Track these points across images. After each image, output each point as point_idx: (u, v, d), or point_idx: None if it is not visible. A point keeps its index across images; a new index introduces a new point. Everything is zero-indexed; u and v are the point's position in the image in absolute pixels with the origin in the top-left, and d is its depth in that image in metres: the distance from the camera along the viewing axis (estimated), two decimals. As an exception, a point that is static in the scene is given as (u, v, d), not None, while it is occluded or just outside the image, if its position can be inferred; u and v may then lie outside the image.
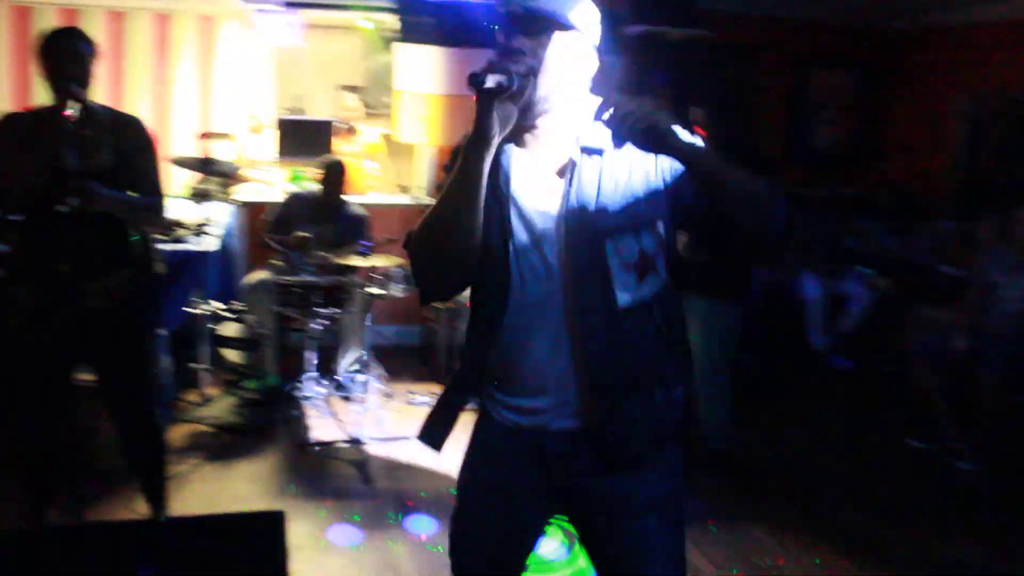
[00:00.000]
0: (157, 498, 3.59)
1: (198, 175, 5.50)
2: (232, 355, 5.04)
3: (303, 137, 6.51)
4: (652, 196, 1.85)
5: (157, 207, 3.33)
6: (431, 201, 6.35)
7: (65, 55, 3.05)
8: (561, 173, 1.87)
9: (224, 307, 5.15)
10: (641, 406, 1.90)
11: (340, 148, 6.52)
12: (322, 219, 5.43)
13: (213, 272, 5.24)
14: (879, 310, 6.22)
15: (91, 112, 3.16)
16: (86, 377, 3.39)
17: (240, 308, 5.09)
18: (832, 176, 7.22)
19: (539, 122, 1.86)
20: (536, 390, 1.91)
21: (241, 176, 5.99)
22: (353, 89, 7.51)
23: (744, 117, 6.66)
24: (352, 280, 5.17)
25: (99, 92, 6.50)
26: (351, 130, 6.76)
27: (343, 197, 5.58)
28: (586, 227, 1.83)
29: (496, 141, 1.74)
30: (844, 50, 7.25)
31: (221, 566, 2.12)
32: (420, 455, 4.67)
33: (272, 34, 6.39)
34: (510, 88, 1.69)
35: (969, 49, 6.66)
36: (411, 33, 6.18)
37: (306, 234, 5.21)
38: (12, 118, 3.25)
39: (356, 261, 4.95)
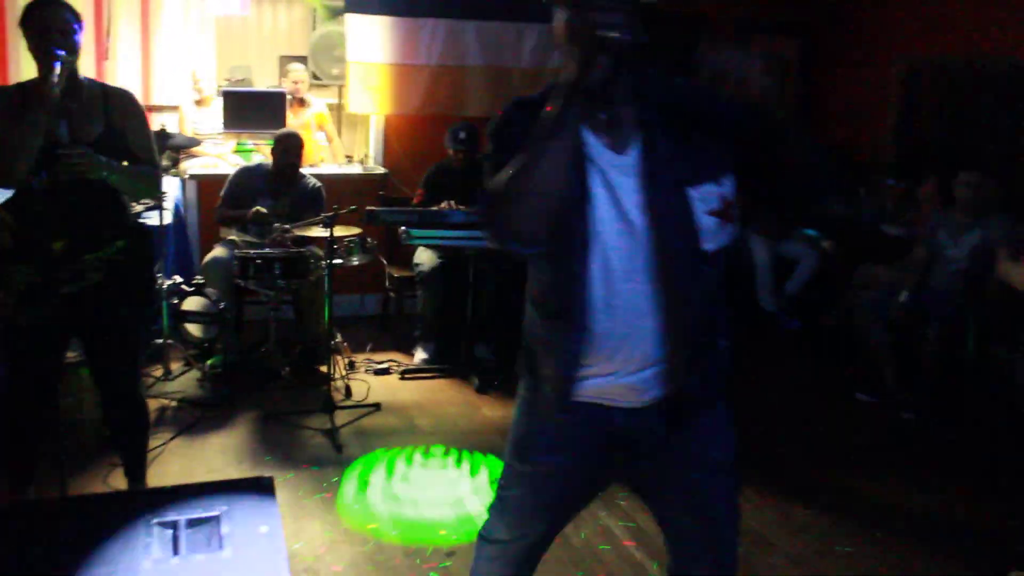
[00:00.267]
0: (137, 470, 3.60)
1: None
2: (194, 329, 5.02)
3: (252, 109, 6.44)
4: (723, 144, 1.90)
5: (154, 177, 3.33)
6: (382, 171, 6.38)
7: (50, 24, 3.00)
8: (632, 126, 1.89)
9: (184, 281, 5.12)
10: (712, 357, 1.96)
11: (289, 120, 6.47)
12: (277, 192, 5.42)
13: (170, 247, 5.20)
14: (825, 270, 6.43)
15: (80, 84, 3.13)
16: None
17: (200, 282, 5.06)
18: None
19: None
20: (630, 360, 1.89)
21: (196, 150, 5.93)
22: (300, 60, 7.45)
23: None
24: (312, 251, 5.18)
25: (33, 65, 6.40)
26: (302, 102, 6.70)
27: (299, 169, 5.56)
28: (668, 176, 1.85)
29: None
30: (784, 16, 7.40)
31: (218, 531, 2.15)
32: (389, 421, 4.75)
33: (218, 4, 6.30)
34: (626, 42, 1.70)
35: (906, 13, 6.87)
36: (359, 4, 6.17)
37: (262, 208, 5.21)
38: None
39: (316, 232, 4.96)
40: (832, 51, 7.54)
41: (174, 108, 6.55)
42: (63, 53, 2.96)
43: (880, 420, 5.04)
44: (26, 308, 3.07)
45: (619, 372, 1.90)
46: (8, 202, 3.10)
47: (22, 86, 3.14)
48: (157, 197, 3.57)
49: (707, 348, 1.95)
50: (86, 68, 6.00)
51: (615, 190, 1.85)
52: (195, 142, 5.25)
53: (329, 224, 4.56)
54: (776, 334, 6.49)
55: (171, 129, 5.64)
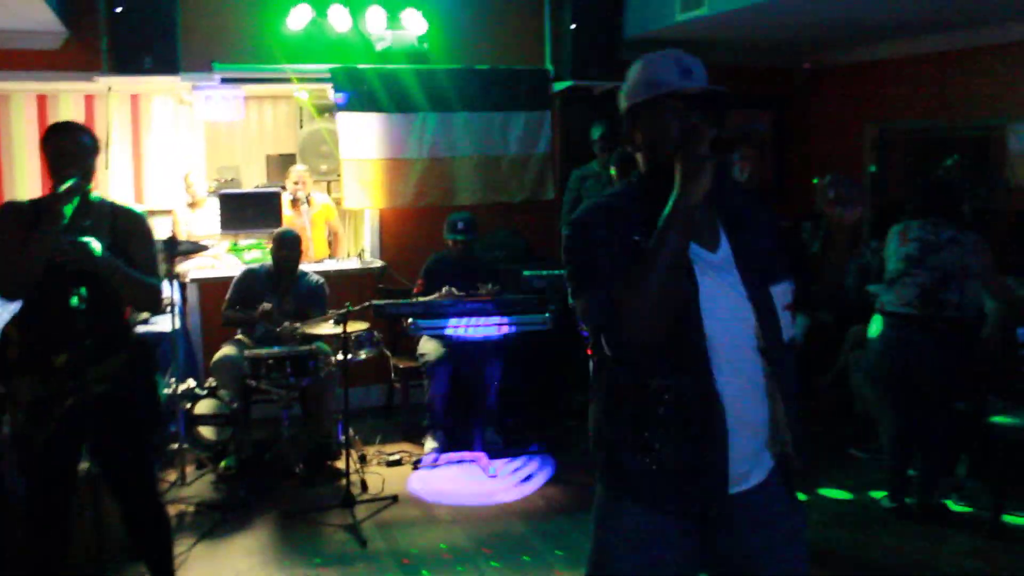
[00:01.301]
0: (167, 577, 3.62)
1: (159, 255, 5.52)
2: (208, 432, 5.07)
3: (249, 209, 6.57)
4: (779, 243, 2.12)
5: (157, 287, 3.43)
6: (379, 263, 6.48)
7: (64, 148, 3.16)
8: (715, 225, 2.07)
9: (196, 385, 5.18)
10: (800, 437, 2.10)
11: (292, 220, 6.60)
12: (280, 291, 5.52)
13: (181, 351, 5.27)
14: (816, 333, 6.58)
15: (90, 202, 3.24)
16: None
17: (211, 385, 5.12)
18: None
19: None
20: (748, 439, 2.03)
21: (207, 255, 6.04)
22: (288, 158, 7.62)
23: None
24: (320, 348, 5.27)
25: (31, 173, 6.53)
26: (307, 200, 6.82)
27: (300, 267, 5.68)
28: (757, 273, 2.04)
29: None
30: (758, 91, 7.68)
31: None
32: (408, 513, 4.79)
33: (210, 110, 6.47)
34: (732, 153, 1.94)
35: (875, 84, 7.20)
36: (349, 103, 6.36)
37: (269, 306, 5.30)
38: (10, 207, 3.31)
39: (324, 329, 5.06)
40: (806, 122, 7.83)
41: (167, 212, 6.67)
42: (74, 174, 3.10)
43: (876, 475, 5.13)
44: (33, 421, 3.14)
45: (740, 459, 2.02)
46: (16, 317, 3.20)
47: (36, 202, 3.26)
48: (157, 310, 3.68)
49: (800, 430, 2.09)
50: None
51: (721, 286, 2.01)
52: (201, 247, 5.35)
53: (342, 321, 4.66)
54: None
55: (165, 232, 5.74)
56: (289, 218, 6.62)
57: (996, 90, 6.34)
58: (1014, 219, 6.26)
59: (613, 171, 5.26)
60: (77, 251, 3.09)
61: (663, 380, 2.00)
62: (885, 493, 4.82)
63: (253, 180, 8.41)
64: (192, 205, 6.71)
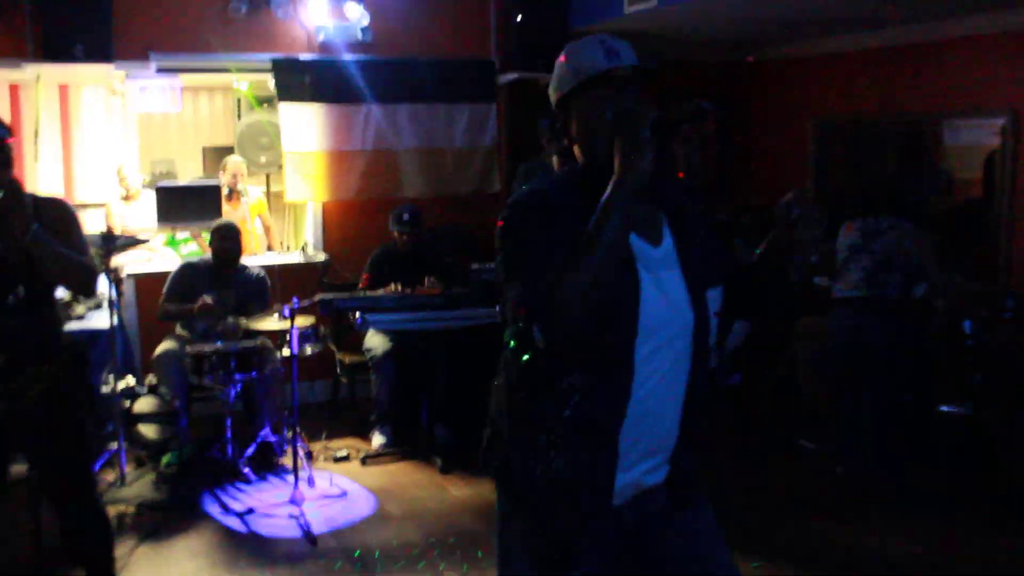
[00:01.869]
0: (108, 585, 3.49)
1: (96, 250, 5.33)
2: (148, 430, 4.91)
3: (186, 202, 6.38)
4: (716, 250, 2.05)
5: (92, 268, 3.29)
6: (323, 257, 6.36)
7: None
8: (657, 219, 1.99)
9: (135, 382, 5.02)
10: (700, 442, 2.05)
11: (227, 212, 6.44)
12: (220, 285, 5.37)
13: (119, 348, 5.09)
14: (764, 325, 6.63)
15: (14, 194, 3.09)
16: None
17: (151, 382, 4.96)
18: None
19: None
20: (653, 447, 1.97)
21: (143, 248, 5.85)
22: (226, 150, 7.45)
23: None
24: (265, 343, 5.14)
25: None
26: (240, 193, 6.67)
27: (240, 260, 5.54)
28: (695, 271, 1.96)
29: None
30: (702, 86, 7.72)
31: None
32: (358, 509, 4.70)
33: (145, 101, 6.28)
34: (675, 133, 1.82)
35: (816, 78, 7.31)
36: (291, 92, 6.23)
37: (210, 299, 5.15)
38: None
39: (268, 324, 4.94)
40: (749, 116, 7.91)
41: (100, 205, 6.46)
42: (8, 175, 2.96)
43: (824, 467, 5.18)
44: None
45: (638, 466, 1.96)
46: None
47: None
48: (91, 291, 3.54)
49: (699, 437, 2.04)
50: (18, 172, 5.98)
51: (662, 283, 1.92)
52: (139, 241, 5.18)
53: (291, 316, 4.55)
54: (716, 390, 6.64)
55: (99, 226, 5.55)
56: (225, 211, 6.46)
57: (931, 85, 6.48)
58: (954, 212, 6.39)
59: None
60: (31, 239, 2.94)
61: (577, 379, 1.90)
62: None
63: (189, 173, 8.22)
64: (126, 198, 6.51)
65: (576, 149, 2.03)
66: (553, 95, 2.04)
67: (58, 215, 3.20)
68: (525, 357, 1.93)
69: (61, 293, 4.47)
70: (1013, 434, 4.83)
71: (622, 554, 2.02)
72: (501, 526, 2.12)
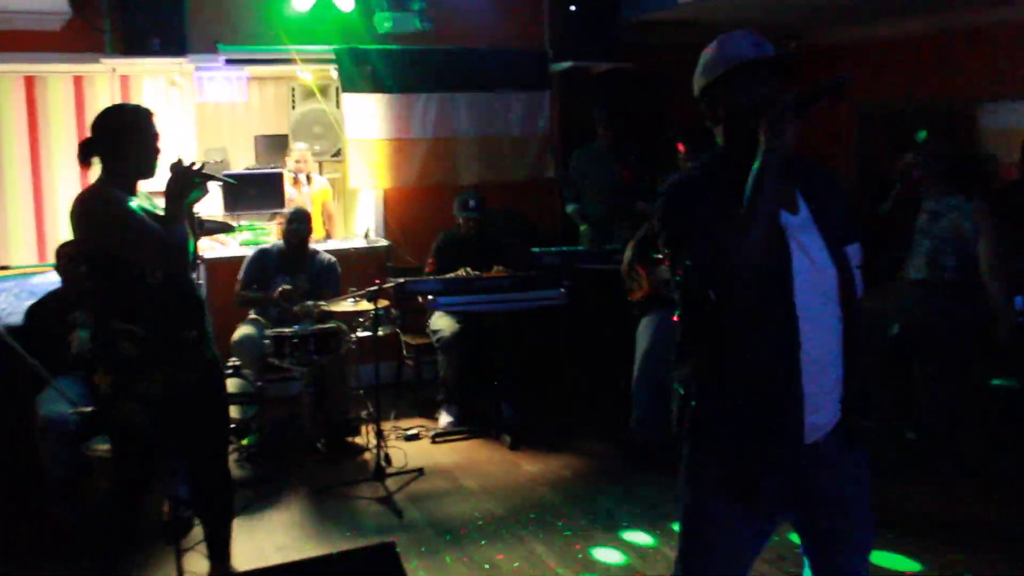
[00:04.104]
0: (224, 551, 3.70)
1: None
2: (233, 410, 5.11)
3: (252, 189, 6.58)
4: (847, 206, 2.31)
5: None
6: (386, 243, 6.54)
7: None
8: (791, 189, 2.22)
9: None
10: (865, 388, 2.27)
11: (294, 198, 6.64)
12: (293, 269, 5.58)
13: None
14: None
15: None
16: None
17: (237, 363, 5.18)
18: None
19: None
20: (828, 390, 2.17)
21: (231, 233, 6.08)
22: (280, 139, 7.62)
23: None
24: (341, 325, 5.35)
25: (20, 155, 6.38)
26: (307, 179, 6.85)
27: (310, 244, 5.74)
28: (835, 233, 2.20)
29: None
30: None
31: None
32: (437, 484, 4.91)
33: (212, 91, 6.47)
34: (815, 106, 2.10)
35: (856, 65, 7.43)
36: (354, 83, 6.41)
37: (289, 287, 5.37)
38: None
39: (344, 306, 5.14)
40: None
41: (161, 193, 6.62)
42: None
43: (879, 440, 5.32)
44: (151, 408, 3.24)
45: (817, 413, 2.17)
46: (119, 312, 3.25)
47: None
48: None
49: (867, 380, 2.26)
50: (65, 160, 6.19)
51: (804, 246, 2.15)
52: (229, 227, 5.40)
53: (372, 298, 4.76)
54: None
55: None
56: (289, 198, 6.66)
57: (968, 71, 6.61)
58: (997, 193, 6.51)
59: (680, 154, 5.19)
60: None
61: (749, 336, 2.13)
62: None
63: (242, 161, 8.36)
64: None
65: (718, 133, 2.29)
66: (700, 81, 2.28)
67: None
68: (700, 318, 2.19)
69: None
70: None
71: (793, 488, 2.23)
72: (690, 475, 2.30)
